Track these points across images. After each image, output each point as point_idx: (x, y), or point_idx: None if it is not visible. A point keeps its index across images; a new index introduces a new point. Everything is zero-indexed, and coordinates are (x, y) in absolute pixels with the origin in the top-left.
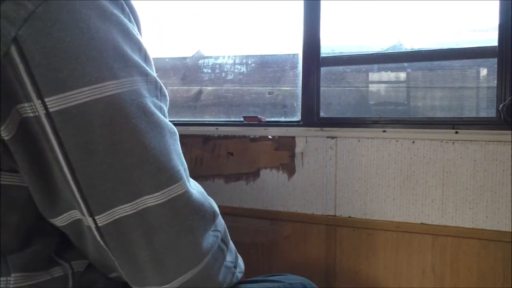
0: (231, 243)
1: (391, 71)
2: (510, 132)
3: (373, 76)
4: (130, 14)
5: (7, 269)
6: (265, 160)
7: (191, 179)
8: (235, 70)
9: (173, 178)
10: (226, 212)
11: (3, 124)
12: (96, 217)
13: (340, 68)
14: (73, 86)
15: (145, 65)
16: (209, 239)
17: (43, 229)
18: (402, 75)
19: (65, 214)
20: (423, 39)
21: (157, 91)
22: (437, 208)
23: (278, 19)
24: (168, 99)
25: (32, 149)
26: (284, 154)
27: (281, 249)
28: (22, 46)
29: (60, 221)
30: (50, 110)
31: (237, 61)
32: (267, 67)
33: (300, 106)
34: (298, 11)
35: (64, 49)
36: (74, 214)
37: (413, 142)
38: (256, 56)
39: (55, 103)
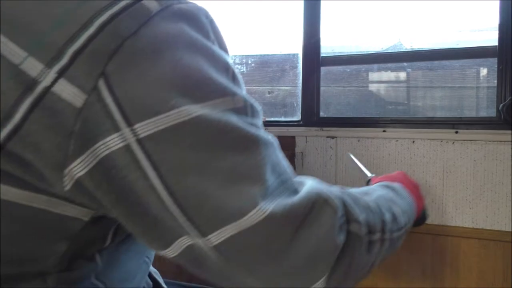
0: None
1: (391, 71)
2: (510, 132)
3: (373, 75)
4: (215, 32)
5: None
6: None
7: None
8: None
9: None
10: None
11: (80, 157)
12: (209, 237)
13: (340, 68)
14: (160, 111)
15: (232, 85)
16: (341, 234)
17: (90, 256)
18: (402, 75)
19: (175, 243)
20: (423, 39)
21: (247, 109)
22: (437, 207)
23: (278, 19)
24: (260, 114)
25: (117, 183)
26: (284, 154)
27: None
28: (110, 79)
29: (171, 251)
30: (140, 136)
31: (237, 60)
32: (267, 67)
33: (300, 106)
34: (298, 11)
35: (149, 79)
36: (184, 241)
37: (413, 142)
38: (256, 55)
39: (144, 128)
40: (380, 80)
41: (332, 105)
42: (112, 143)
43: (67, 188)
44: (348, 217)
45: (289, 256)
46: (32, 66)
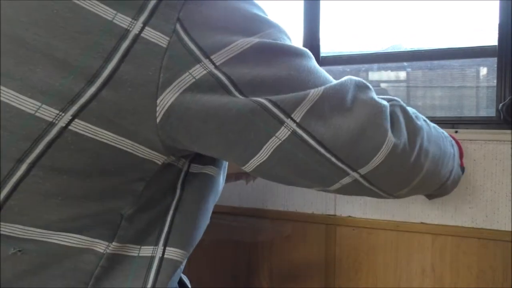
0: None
1: (391, 71)
2: (510, 131)
3: (373, 75)
4: None
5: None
6: None
7: None
8: None
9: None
10: (226, 212)
11: (170, 86)
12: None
13: (340, 67)
14: (227, 43)
15: (273, 21)
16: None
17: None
18: (402, 75)
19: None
20: (423, 39)
21: (287, 35)
22: (436, 207)
23: (278, 19)
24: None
25: (205, 100)
26: None
27: (281, 248)
28: (184, 23)
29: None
30: (217, 63)
31: None
32: None
33: None
34: (298, 11)
35: (212, 21)
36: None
37: None
38: None
39: (219, 57)
40: (380, 79)
41: None
42: (196, 72)
43: (158, 118)
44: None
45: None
46: (123, 20)
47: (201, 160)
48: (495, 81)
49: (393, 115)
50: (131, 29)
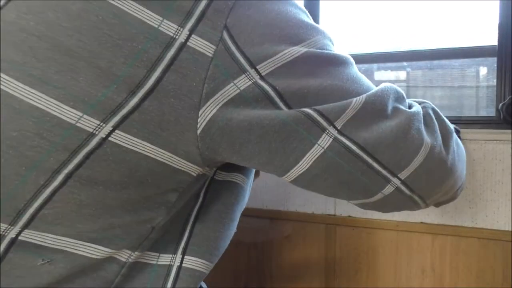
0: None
1: (391, 71)
2: (510, 131)
3: (373, 75)
4: None
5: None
6: None
7: None
8: None
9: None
10: None
11: (213, 97)
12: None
13: None
14: (275, 53)
15: (318, 26)
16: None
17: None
18: (402, 74)
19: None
20: (423, 39)
21: (332, 42)
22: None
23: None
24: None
25: (248, 113)
26: None
27: (281, 248)
28: (231, 30)
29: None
30: (263, 74)
31: None
32: None
33: None
34: None
35: (260, 27)
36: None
37: None
38: None
39: (265, 68)
40: (380, 79)
41: None
42: (241, 83)
43: (199, 130)
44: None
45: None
46: (169, 27)
47: (227, 168)
48: (495, 81)
49: (426, 117)
50: (177, 37)
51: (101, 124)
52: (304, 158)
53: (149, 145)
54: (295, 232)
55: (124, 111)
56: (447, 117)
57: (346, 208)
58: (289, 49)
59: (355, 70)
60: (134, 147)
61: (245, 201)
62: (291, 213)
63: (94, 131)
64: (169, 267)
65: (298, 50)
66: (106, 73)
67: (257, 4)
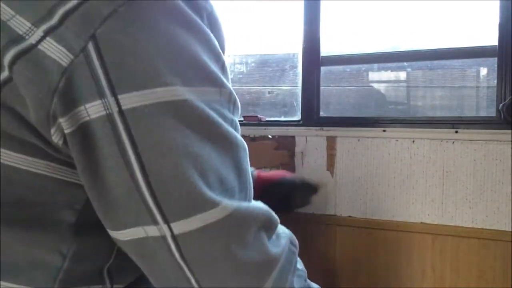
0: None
1: (391, 71)
2: (510, 131)
3: (373, 75)
4: (211, 22)
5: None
6: (265, 160)
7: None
8: (235, 70)
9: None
10: None
11: (63, 117)
12: (171, 224)
13: (340, 67)
14: (147, 86)
15: (221, 76)
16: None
17: (105, 239)
18: (402, 75)
19: (132, 229)
20: (423, 39)
21: (230, 104)
22: (437, 207)
23: (278, 18)
24: (239, 112)
25: (90, 154)
26: (284, 154)
27: None
28: (99, 43)
29: (124, 235)
30: (123, 108)
31: (237, 60)
32: (266, 67)
33: (300, 106)
34: (298, 11)
35: (141, 49)
36: (140, 232)
37: (413, 141)
38: (256, 55)
39: (128, 100)
40: (380, 79)
41: (332, 104)
42: (94, 110)
43: (60, 142)
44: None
45: (243, 256)
46: (19, 24)
47: None
48: (495, 81)
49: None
50: (27, 37)
51: None
52: (125, 231)
53: (15, 154)
54: (295, 232)
55: None
56: (447, 117)
57: (346, 208)
58: (168, 87)
59: (238, 159)
60: None
61: None
62: (291, 213)
63: None
64: None
65: (179, 93)
66: None
67: (148, 20)
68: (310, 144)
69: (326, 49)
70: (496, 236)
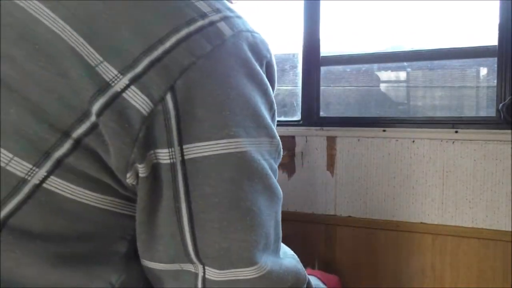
0: None
1: (391, 71)
2: (510, 131)
3: (373, 75)
4: (268, 69)
5: None
6: None
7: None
8: None
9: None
10: None
11: (141, 164)
12: (206, 268)
13: (340, 67)
14: (211, 137)
15: (273, 127)
16: None
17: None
18: (402, 75)
19: (167, 264)
20: (423, 39)
21: (276, 154)
22: (437, 207)
23: (278, 18)
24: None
25: (152, 195)
26: (284, 154)
27: None
28: (177, 94)
29: (159, 266)
30: (186, 157)
31: None
32: None
33: (300, 106)
34: (298, 11)
35: (212, 101)
36: (176, 267)
37: (413, 141)
38: None
39: (191, 150)
40: (380, 80)
41: (332, 105)
42: (162, 156)
43: (134, 183)
44: None
45: None
46: (106, 71)
47: None
48: (495, 81)
49: None
50: (113, 84)
51: (33, 168)
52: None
53: (88, 192)
54: (296, 232)
55: (58, 153)
56: (447, 117)
57: (346, 209)
58: (230, 139)
59: (276, 209)
60: (72, 194)
61: None
62: (291, 213)
63: (26, 176)
64: None
65: (239, 145)
66: (38, 109)
67: (223, 73)
68: (310, 144)
69: (326, 49)
70: (496, 236)
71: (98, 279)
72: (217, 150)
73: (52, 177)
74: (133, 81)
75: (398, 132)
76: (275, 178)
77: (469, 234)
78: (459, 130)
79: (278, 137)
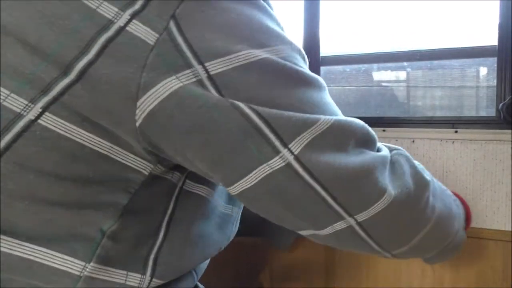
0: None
1: (391, 71)
2: (510, 131)
3: (373, 75)
4: (268, 3)
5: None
6: None
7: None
8: None
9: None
10: None
11: (149, 91)
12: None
13: (340, 67)
14: (229, 52)
15: (286, 36)
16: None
17: (151, 230)
18: (402, 75)
19: (253, 172)
20: (423, 39)
21: (301, 57)
22: None
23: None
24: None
25: (193, 111)
26: None
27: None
28: (180, 21)
29: (250, 179)
30: (211, 73)
31: None
32: None
33: None
34: (298, 11)
35: (216, 23)
36: (266, 169)
37: (413, 141)
38: None
39: (214, 66)
40: (380, 79)
41: None
42: (185, 78)
43: (138, 122)
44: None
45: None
46: (107, 10)
47: (194, 177)
48: (495, 81)
49: (395, 164)
50: (115, 20)
51: (29, 104)
52: (250, 175)
53: (84, 132)
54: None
55: (53, 92)
56: (447, 117)
57: None
58: (246, 51)
59: (321, 94)
60: (67, 132)
61: (214, 216)
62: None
63: (22, 111)
64: None
65: (257, 54)
66: (35, 50)
67: (217, 1)
68: None
69: (326, 49)
70: (496, 236)
71: (89, 224)
72: (238, 62)
73: (46, 113)
74: (134, 15)
75: (398, 132)
76: (308, 78)
77: (469, 234)
78: (459, 130)
79: (294, 42)
